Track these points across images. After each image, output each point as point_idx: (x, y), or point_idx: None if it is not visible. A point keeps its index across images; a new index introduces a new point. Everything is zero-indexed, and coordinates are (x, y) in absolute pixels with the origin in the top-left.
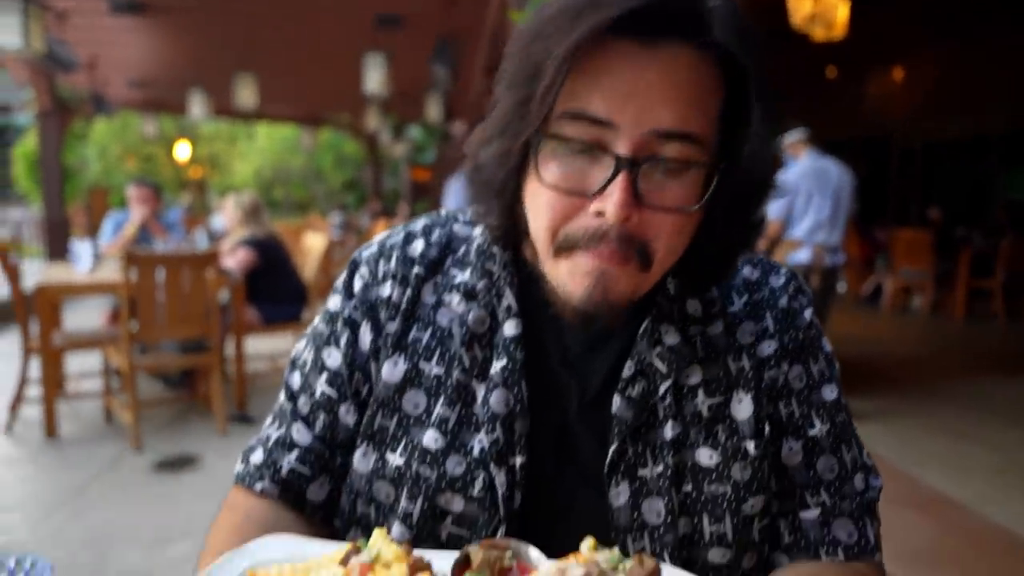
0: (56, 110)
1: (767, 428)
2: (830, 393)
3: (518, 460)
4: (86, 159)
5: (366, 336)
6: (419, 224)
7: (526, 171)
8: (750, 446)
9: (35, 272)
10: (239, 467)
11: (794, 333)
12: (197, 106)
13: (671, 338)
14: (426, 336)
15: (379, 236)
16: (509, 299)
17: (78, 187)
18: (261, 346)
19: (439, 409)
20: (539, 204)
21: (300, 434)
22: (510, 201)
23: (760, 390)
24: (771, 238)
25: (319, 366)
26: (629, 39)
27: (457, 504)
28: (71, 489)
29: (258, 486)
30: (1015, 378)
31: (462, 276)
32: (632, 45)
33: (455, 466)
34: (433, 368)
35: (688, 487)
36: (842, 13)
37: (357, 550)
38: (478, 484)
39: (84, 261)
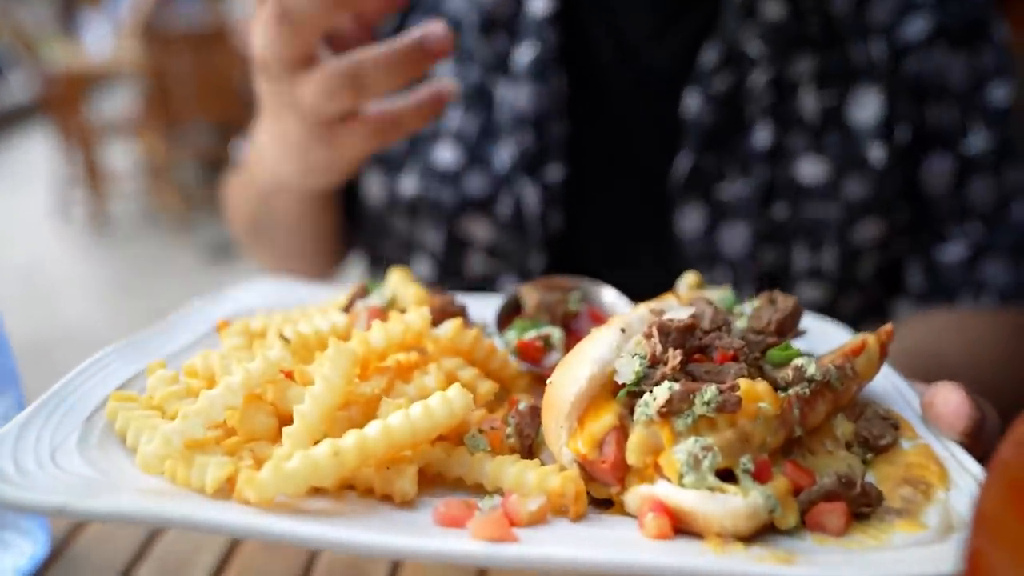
0: None
1: (904, 135)
2: (1000, 94)
3: (556, 172)
4: None
5: None
6: None
7: None
8: (874, 153)
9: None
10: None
11: (958, 6)
12: None
13: (774, 9)
14: None
15: None
16: None
17: None
18: None
19: (453, 117)
20: None
21: None
22: None
23: (897, 84)
24: None
25: None
26: None
27: (482, 230)
28: (126, 273)
29: None
30: None
31: None
32: None
33: (476, 185)
34: (442, 69)
35: (781, 208)
36: None
37: (364, 292)
38: (505, 204)
39: (99, 39)
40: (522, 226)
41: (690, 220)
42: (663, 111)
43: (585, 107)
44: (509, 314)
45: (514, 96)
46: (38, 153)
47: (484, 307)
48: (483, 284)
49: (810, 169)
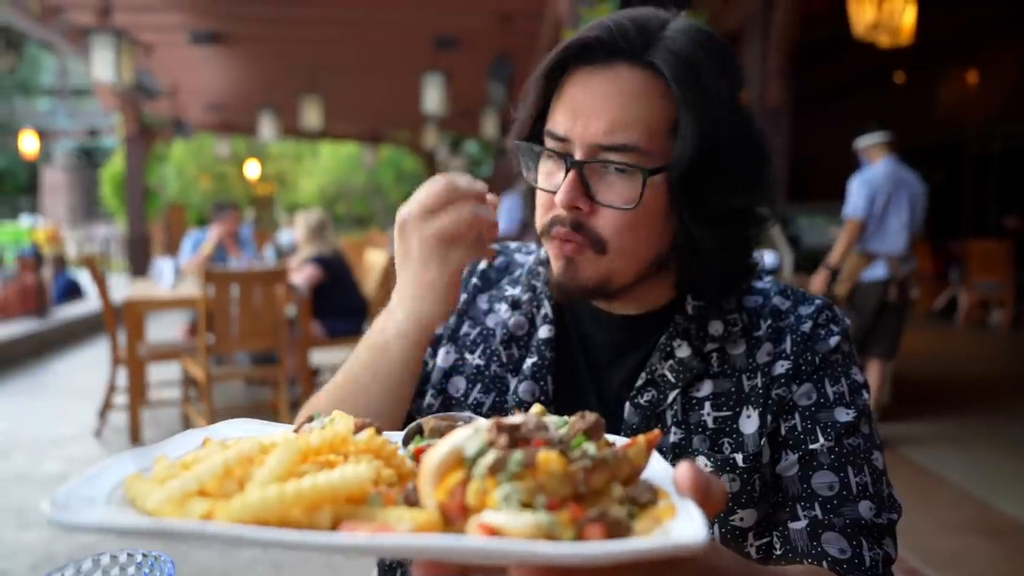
0: (140, 134)
1: (763, 443)
2: (843, 415)
3: None
4: (165, 179)
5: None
6: None
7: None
8: (738, 458)
9: (119, 286)
10: None
11: (811, 356)
12: (267, 127)
13: (682, 352)
14: (474, 332)
15: None
16: (547, 308)
17: (158, 205)
18: (324, 359)
19: (476, 394)
20: (536, 203)
21: None
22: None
23: (767, 407)
24: (849, 237)
25: None
26: (588, 65)
27: None
28: None
29: None
30: None
31: (512, 291)
32: (589, 70)
33: None
34: (475, 359)
35: None
36: (907, 19)
37: (310, 419)
38: None
39: (166, 278)
40: None
41: None
42: (611, 413)
43: (563, 403)
44: (412, 436)
45: (518, 388)
46: (92, 367)
47: (396, 435)
48: None
49: (702, 466)
